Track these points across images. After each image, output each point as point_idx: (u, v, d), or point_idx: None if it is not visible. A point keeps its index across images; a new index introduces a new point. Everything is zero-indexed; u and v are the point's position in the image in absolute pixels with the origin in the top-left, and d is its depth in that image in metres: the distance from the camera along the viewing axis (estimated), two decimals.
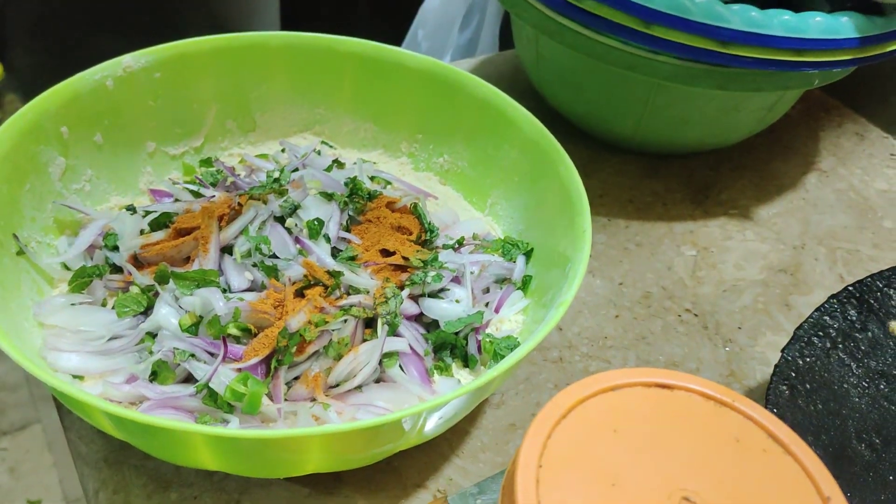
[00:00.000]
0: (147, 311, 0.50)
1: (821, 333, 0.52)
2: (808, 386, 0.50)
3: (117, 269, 0.53)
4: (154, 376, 0.47)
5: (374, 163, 0.65)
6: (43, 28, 2.11)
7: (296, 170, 0.60)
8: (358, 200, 0.56)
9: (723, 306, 0.64)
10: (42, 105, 0.54)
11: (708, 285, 0.66)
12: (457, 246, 0.57)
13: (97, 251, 0.54)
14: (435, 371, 0.51)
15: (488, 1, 1.09)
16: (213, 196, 0.55)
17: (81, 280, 0.52)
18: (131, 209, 0.57)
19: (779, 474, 0.34)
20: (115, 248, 0.53)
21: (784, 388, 0.49)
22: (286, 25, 1.87)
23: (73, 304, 0.51)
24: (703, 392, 0.36)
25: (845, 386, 0.51)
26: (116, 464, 0.49)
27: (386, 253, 0.53)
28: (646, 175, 0.76)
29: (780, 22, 0.58)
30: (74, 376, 0.48)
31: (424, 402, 0.47)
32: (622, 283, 0.65)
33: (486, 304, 0.54)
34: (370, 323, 0.50)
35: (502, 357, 0.50)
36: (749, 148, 0.80)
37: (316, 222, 0.52)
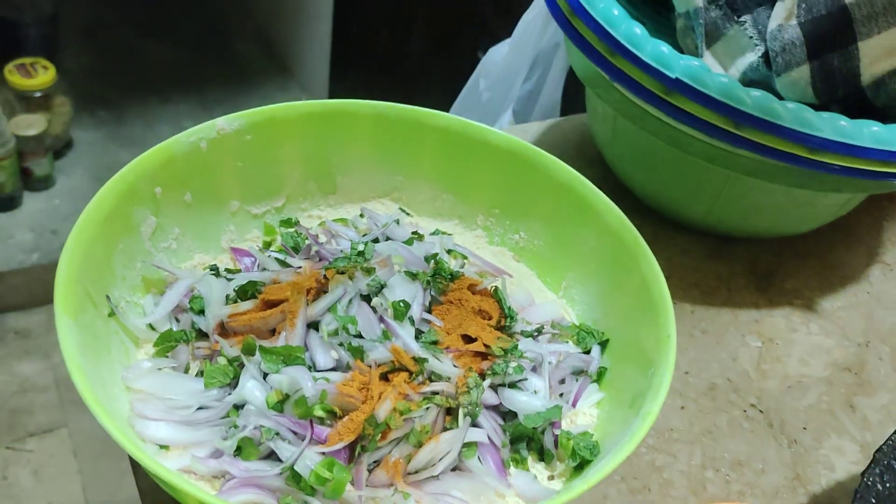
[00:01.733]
0: (233, 381, 0.51)
1: None
2: None
3: (202, 334, 0.54)
4: (238, 451, 0.48)
5: (450, 234, 0.65)
6: (94, 32, 2.15)
7: (376, 239, 0.60)
8: (441, 281, 0.56)
9: (788, 403, 0.64)
10: (140, 167, 0.55)
11: (773, 380, 0.66)
12: (535, 334, 0.57)
13: (183, 313, 0.55)
14: (511, 463, 0.51)
15: (554, 56, 1.10)
16: (300, 267, 0.56)
17: (167, 344, 0.53)
18: (214, 270, 0.58)
19: None
20: (201, 312, 0.54)
21: None
22: (336, 49, 1.88)
23: (159, 369, 0.52)
24: None
25: None
26: None
27: (467, 338, 0.54)
28: (710, 257, 0.76)
29: (870, 133, 0.58)
30: (160, 446, 0.48)
31: (504, 500, 0.48)
32: (688, 372, 0.65)
33: (561, 395, 0.55)
34: (449, 409, 0.51)
35: (580, 455, 0.50)
36: (812, 234, 0.80)
37: (402, 304, 0.53)
